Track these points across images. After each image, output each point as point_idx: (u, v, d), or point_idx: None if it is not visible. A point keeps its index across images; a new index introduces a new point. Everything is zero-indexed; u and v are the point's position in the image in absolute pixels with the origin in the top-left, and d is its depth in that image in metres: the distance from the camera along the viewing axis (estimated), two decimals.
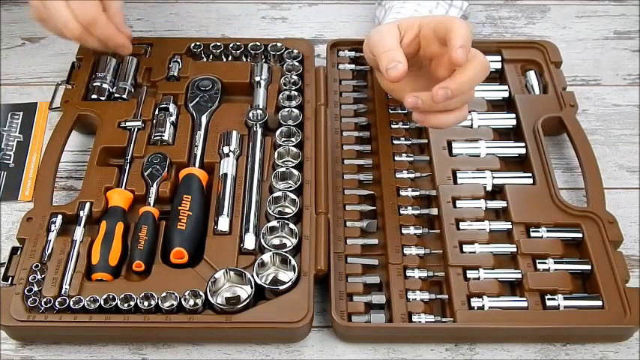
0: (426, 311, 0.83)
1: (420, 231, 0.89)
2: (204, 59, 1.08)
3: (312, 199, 0.90)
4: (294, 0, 1.24)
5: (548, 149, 0.97)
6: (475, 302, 0.83)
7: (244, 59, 1.07)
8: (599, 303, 0.83)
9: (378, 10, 1.06)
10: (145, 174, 0.92)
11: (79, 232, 0.87)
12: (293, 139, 0.96)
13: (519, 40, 1.15)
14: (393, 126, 0.99)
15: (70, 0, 0.92)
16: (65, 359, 0.82)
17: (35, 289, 0.81)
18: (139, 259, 0.84)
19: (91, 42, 0.96)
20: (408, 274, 0.85)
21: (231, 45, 1.07)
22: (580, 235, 0.88)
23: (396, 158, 0.96)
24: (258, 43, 1.07)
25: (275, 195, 0.90)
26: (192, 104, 1.00)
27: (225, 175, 0.92)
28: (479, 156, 0.96)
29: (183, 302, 0.80)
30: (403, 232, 0.89)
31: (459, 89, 0.82)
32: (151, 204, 0.90)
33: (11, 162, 1.00)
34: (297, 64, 1.05)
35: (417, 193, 0.93)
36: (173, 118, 0.98)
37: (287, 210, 0.90)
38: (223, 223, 0.87)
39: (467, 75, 0.82)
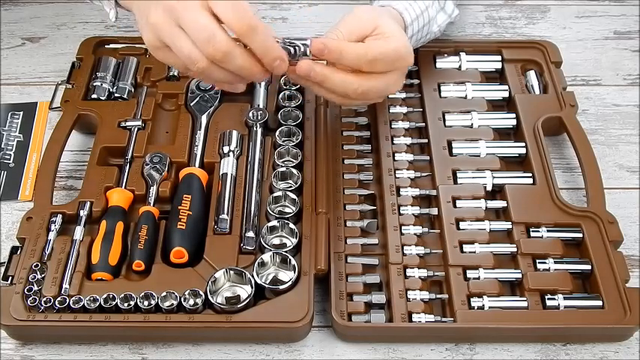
0: (426, 311, 0.83)
1: (420, 231, 0.89)
2: None
3: (312, 199, 0.90)
4: (294, 0, 1.24)
5: (548, 149, 0.97)
6: (475, 302, 0.83)
7: None
8: (599, 303, 0.83)
9: None
10: (145, 174, 0.92)
11: (79, 231, 0.87)
12: (293, 139, 0.96)
13: (519, 40, 1.15)
14: (393, 126, 0.99)
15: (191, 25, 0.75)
16: (65, 359, 0.82)
17: (35, 288, 0.81)
18: (139, 258, 0.84)
19: (218, 75, 0.78)
20: (408, 274, 0.85)
21: None
22: (580, 235, 0.88)
23: (396, 158, 0.96)
24: None
25: (275, 195, 0.90)
26: (192, 104, 1.00)
27: (225, 174, 0.92)
28: (479, 156, 0.97)
29: (183, 302, 0.80)
30: (403, 231, 0.89)
31: (336, 50, 0.81)
32: (151, 203, 0.90)
33: (11, 162, 1.00)
34: None
35: (417, 193, 0.93)
36: None
37: (287, 210, 0.90)
38: (223, 223, 0.87)
39: (354, 46, 0.83)
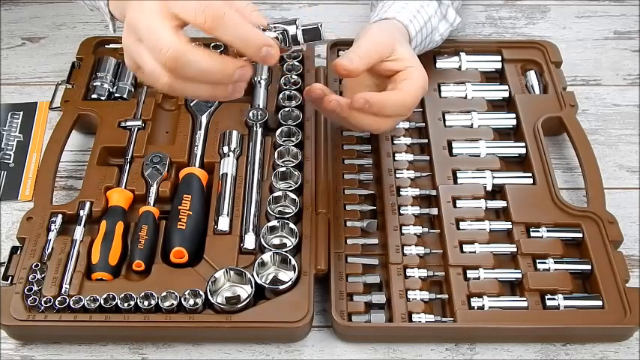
0: (426, 311, 0.83)
1: (420, 231, 0.89)
2: None
3: (312, 199, 0.90)
4: (294, 0, 1.24)
5: (548, 149, 0.97)
6: (475, 302, 0.83)
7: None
8: (599, 303, 0.83)
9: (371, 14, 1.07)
10: (145, 174, 0.92)
11: (79, 231, 0.87)
12: (293, 139, 0.96)
13: (519, 40, 1.15)
14: None
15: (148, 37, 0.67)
16: (65, 359, 0.82)
17: (35, 288, 0.81)
18: (139, 258, 0.84)
19: (192, 89, 0.70)
20: (408, 274, 0.85)
21: None
22: (580, 235, 0.88)
23: (396, 158, 0.96)
24: None
25: (275, 195, 0.90)
26: (192, 104, 1.00)
27: (226, 174, 0.92)
28: (479, 156, 0.97)
29: (183, 302, 0.80)
30: (403, 231, 0.89)
31: (379, 105, 0.83)
32: (151, 203, 0.90)
33: (11, 162, 1.00)
34: (297, 63, 1.05)
35: (417, 193, 0.93)
36: None
37: (287, 210, 0.90)
38: (223, 223, 0.87)
39: (394, 96, 0.84)
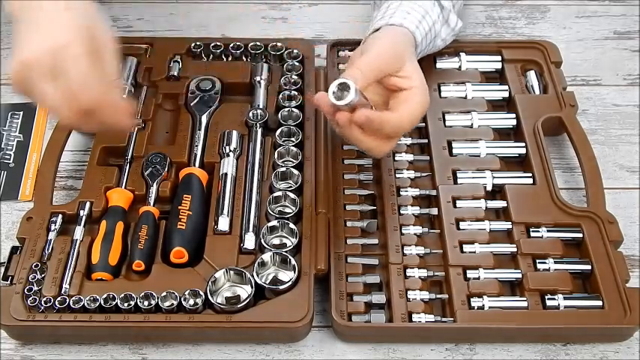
0: (426, 311, 0.83)
1: (420, 231, 0.89)
2: (205, 59, 1.08)
3: (312, 199, 0.90)
4: (294, 0, 1.24)
5: (548, 149, 0.97)
6: (475, 302, 0.83)
7: (244, 59, 1.07)
8: (599, 303, 0.83)
9: (374, 13, 1.06)
10: (145, 174, 0.92)
11: (79, 231, 0.87)
12: (293, 139, 0.96)
13: (519, 40, 1.15)
14: None
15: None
16: (65, 359, 0.82)
17: (35, 288, 0.82)
18: (139, 258, 0.84)
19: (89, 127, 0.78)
20: (408, 274, 0.85)
21: (231, 45, 1.07)
22: (580, 235, 0.88)
23: (396, 158, 0.96)
24: (258, 43, 1.07)
25: (275, 195, 0.90)
26: (192, 104, 1.00)
27: (226, 174, 0.92)
28: (479, 156, 0.97)
29: (183, 302, 0.80)
30: (403, 231, 0.89)
31: (378, 123, 0.81)
32: (151, 204, 0.90)
33: (11, 162, 1.00)
34: (297, 64, 1.05)
35: (417, 193, 0.93)
36: None
37: (287, 210, 0.90)
38: (223, 223, 0.87)
39: (392, 118, 0.83)
